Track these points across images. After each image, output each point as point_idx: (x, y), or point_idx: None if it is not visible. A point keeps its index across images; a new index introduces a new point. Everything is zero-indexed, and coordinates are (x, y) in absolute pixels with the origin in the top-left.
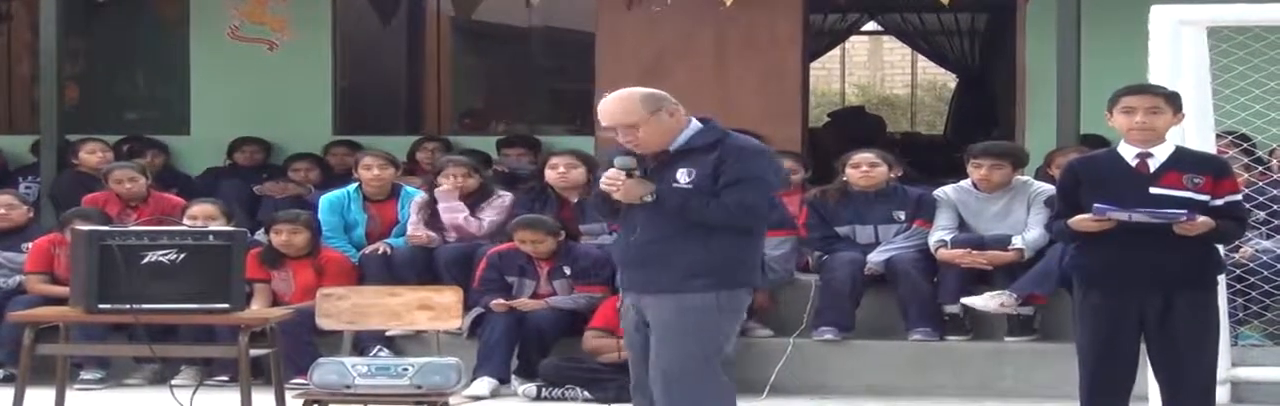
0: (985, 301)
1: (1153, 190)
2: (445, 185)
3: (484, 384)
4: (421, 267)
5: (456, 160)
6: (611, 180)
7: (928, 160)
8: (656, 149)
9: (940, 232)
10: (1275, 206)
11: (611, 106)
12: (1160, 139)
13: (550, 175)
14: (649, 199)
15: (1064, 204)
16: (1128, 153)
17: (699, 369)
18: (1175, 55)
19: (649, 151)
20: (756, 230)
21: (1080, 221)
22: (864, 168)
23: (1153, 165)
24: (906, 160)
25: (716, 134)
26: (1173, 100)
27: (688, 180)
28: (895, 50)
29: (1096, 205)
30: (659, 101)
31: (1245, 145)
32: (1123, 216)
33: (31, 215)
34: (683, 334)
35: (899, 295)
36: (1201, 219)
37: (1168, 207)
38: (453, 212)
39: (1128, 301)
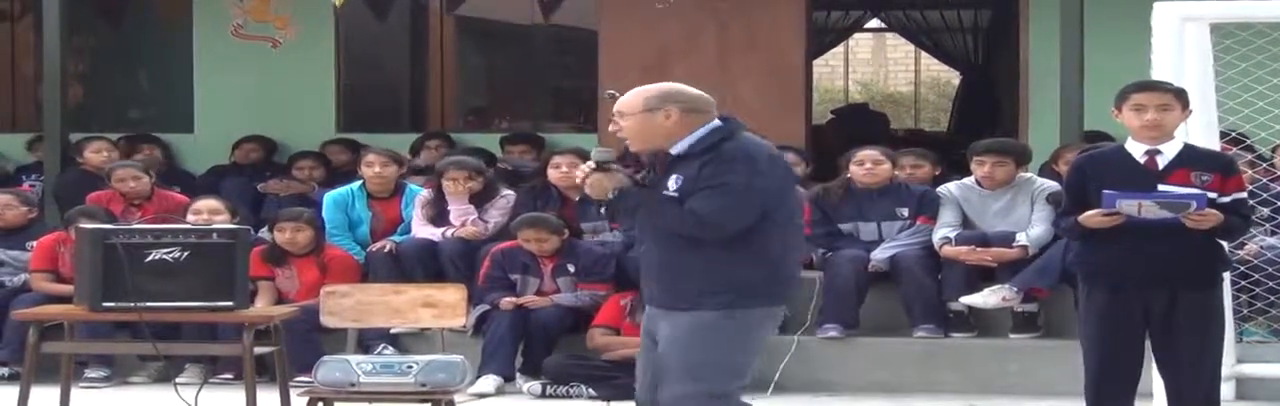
0: (985, 297)
1: (1161, 187)
2: (448, 187)
3: (489, 381)
4: (427, 264)
5: (458, 163)
6: (581, 172)
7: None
8: (640, 147)
9: (944, 230)
10: (1279, 203)
11: (629, 93)
12: (1170, 136)
13: (552, 174)
14: (612, 195)
15: (1071, 201)
16: (1136, 150)
17: (711, 398)
18: (1178, 52)
19: (636, 148)
20: (764, 240)
21: (1090, 217)
22: (868, 164)
23: (1162, 162)
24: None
25: (714, 137)
26: (1182, 96)
27: (675, 187)
28: (899, 47)
29: (1106, 191)
30: (663, 101)
31: (1247, 142)
32: (1132, 203)
33: (35, 214)
34: (686, 354)
35: (903, 292)
36: (1211, 211)
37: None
38: (464, 215)
39: (1132, 298)
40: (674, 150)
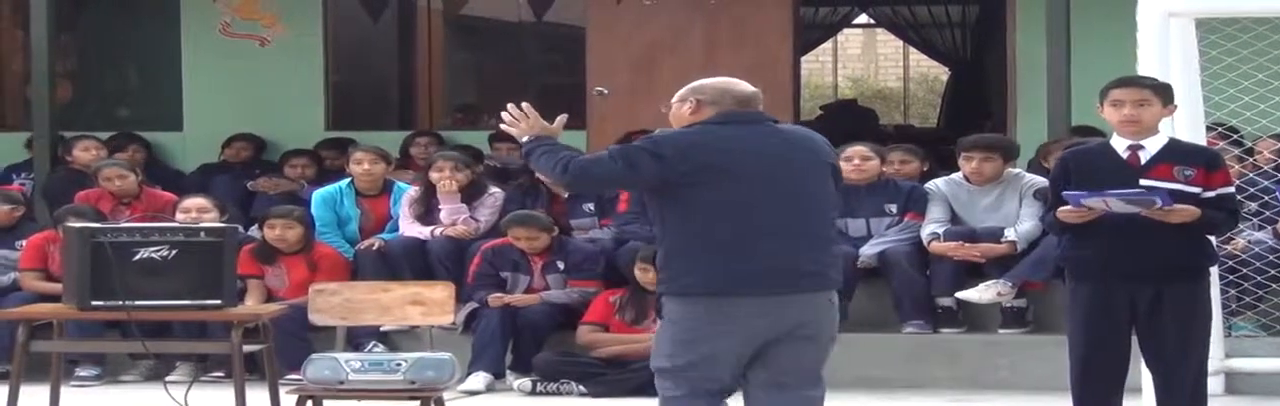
0: (980, 293)
1: (1143, 182)
2: (435, 178)
3: (479, 378)
4: (415, 262)
5: (445, 155)
6: (519, 112)
7: None
8: None
9: (932, 225)
10: (1266, 197)
11: None
12: (1150, 131)
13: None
14: (527, 138)
15: (1057, 196)
16: (1119, 145)
17: (657, 381)
18: (1163, 46)
19: None
20: (692, 226)
21: (1063, 212)
22: (856, 161)
23: (1144, 157)
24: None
25: (693, 124)
26: (1161, 92)
27: None
28: (889, 43)
29: (1066, 192)
30: (693, 93)
31: (1235, 137)
32: (1097, 201)
33: (23, 212)
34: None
35: (892, 288)
36: (1179, 207)
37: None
38: (455, 214)
39: (1118, 293)
40: None
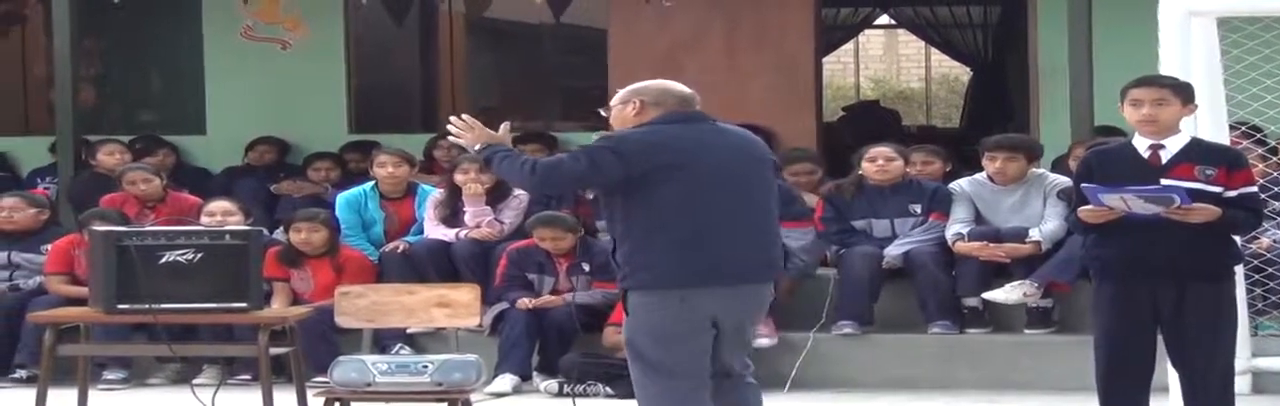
0: (1007, 293)
1: (1163, 182)
2: (460, 181)
3: (505, 380)
4: (440, 265)
5: (470, 157)
6: (462, 123)
7: None
8: None
9: (957, 226)
10: None
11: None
12: (1170, 130)
13: None
14: (479, 147)
15: (1080, 196)
16: (1141, 144)
17: (638, 375)
18: (1185, 46)
19: None
20: (652, 223)
21: (1084, 211)
22: (880, 161)
23: (1165, 157)
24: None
25: (641, 124)
26: (1180, 91)
27: None
28: (910, 43)
29: (1085, 185)
30: (634, 94)
31: (1259, 136)
32: (1115, 198)
33: (46, 216)
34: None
35: (917, 288)
36: (1199, 206)
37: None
38: (480, 216)
39: (1142, 292)
40: None
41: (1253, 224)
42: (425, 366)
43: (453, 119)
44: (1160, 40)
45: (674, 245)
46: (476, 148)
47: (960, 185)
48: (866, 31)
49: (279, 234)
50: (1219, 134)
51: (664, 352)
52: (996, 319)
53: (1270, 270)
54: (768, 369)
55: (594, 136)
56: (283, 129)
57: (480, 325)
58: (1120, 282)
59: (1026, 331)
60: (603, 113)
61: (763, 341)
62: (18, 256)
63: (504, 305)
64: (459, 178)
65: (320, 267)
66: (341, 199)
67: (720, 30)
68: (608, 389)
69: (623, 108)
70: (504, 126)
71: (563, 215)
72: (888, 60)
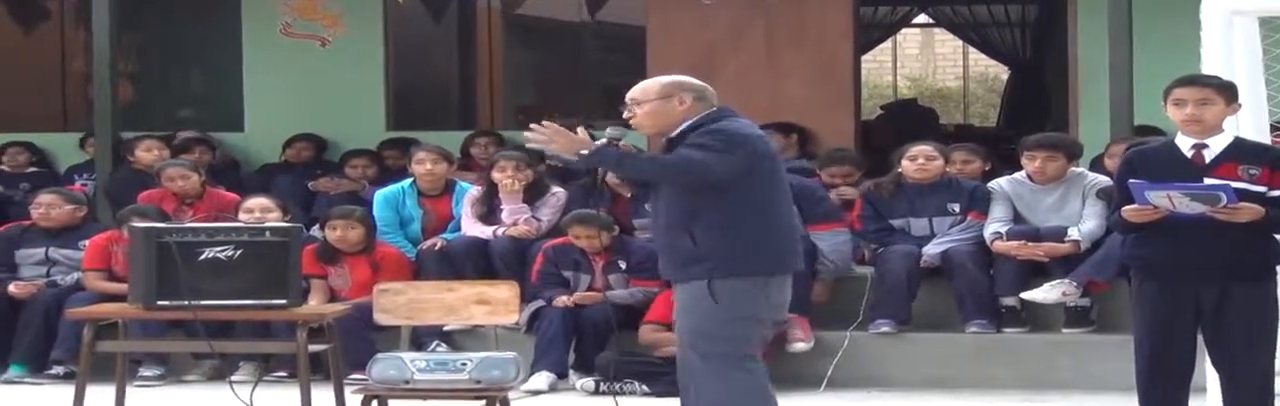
0: (1045, 293)
1: (1207, 181)
2: (498, 178)
3: (542, 378)
4: (478, 262)
5: (507, 154)
6: (540, 133)
7: None
8: (652, 132)
9: (995, 225)
10: None
11: (640, 83)
12: (1213, 130)
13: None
14: (584, 152)
15: (1121, 195)
16: (1184, 144)
17: (710, 362)
18: (1227, 45)
19: (647, 134)
20: (744, 213)
21: (1129, 211)
22: (921, 160)
23: (1208, 156)
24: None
25: (705, 119)
26: (1224, 90)
27: None
28: (947, 42)
29: (1131, 181)
30: (677, 89)
31: None
32: (1161, 194)
33: (84, 212)
34: (687, 322)
35: (955, 287)
36: (1245, 205)
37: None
38: (517, 214)
39: (1183, 292)
40: (674, 133)
41: None
42: (464, 364)
43: (533, 126)
44: (1202, 39)
45: (765, 233)
46: (584, 153)
47: (999, 184)
48: (903, 30)
49: (315, 231)
50: (1261, 134)
51: (744, 336)
52: (1034, 318)
53: None
54: (803, 367)
55: (608, 130)
56: (320, 126)
57: (517, 323)
58: (1162, 282)
59: (1064, 330)
60: (628, 109)
61: (798, 345)
62: (55, 252)
63: (540, 303)
64: (496, 175)
65: (357, 265)
66: (379, 196)
67: (759, 28)
68: (644, 387)
69: (667, 102)
70: (580, 130)
71: (596, 214)
72: (924, 59)
